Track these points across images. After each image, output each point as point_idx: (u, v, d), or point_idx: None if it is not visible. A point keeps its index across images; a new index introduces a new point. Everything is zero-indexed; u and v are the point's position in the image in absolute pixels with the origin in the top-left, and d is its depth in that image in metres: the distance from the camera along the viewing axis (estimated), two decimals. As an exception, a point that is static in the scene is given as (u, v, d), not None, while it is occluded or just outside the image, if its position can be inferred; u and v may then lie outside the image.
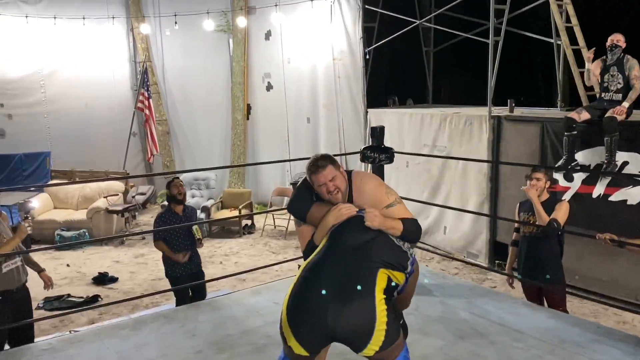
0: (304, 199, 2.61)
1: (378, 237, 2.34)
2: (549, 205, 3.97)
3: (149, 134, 9.55)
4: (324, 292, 2.17)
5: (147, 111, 9.44)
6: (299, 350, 2.18)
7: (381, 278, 2.22)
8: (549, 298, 4.05)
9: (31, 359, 3.25)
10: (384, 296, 2.19)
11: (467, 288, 4.27)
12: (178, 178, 4.98)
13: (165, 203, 8.47)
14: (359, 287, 2.16)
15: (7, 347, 3.82)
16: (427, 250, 6.73)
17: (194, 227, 4.82)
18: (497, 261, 6.70)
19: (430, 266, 6.67)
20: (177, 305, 4.89)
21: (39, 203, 8.41)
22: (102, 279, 6.50)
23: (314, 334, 2.18)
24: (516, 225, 4.29)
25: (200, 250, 5.02)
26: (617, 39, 5.33)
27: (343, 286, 2.17)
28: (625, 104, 5.13)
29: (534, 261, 4.06)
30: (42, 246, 3.54)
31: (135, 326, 3.76)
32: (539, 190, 3.98)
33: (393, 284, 2.27)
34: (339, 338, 2.19)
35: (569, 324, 3.59)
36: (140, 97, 9.53)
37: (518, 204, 4.36)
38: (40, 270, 4.21)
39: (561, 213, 3.88)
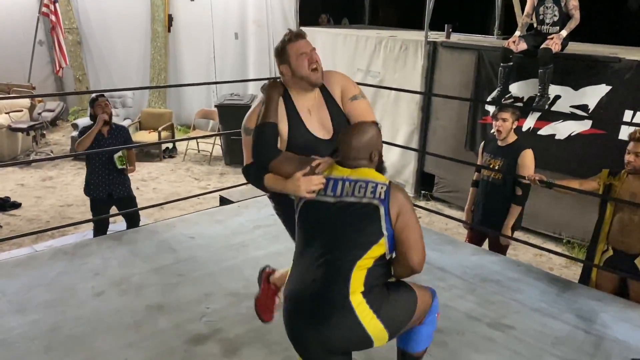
0: (268, 143, 2.18)
1: (352, 217, 1.91)
2: (515, 150, 3.73)
3: (56, 43, 8.56)
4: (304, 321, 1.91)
5: (53, 17, 8.39)
6: None
7: (357, 276, 1.86)
8: (491, 243, 3.96)
9: None
10: (363, 299, 1.85)
11: (392, 222, 4.16)
12: (103, 96, 4.45)
13: (77, 122, 7.84)
14: (333, 300, 1.86)
15: None
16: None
17: (115, 157, 4.33)
18: (422, 191, 6.68)
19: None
20: (94, 232, 4.50)
21: None
22: (3, 205, 5.92)
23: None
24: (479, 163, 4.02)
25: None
26: None
27: (319, 301, 1.87)
28: (563, 33, 4.96)
29: (487, 208, 3.89)
30: None
31: (30, 263, 3.39)
32: (505, 132, 3.73)
33: (375, 264, 1.90)
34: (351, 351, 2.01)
35: (491, 262, 3.58)
36: (45, 1, 8.44)
37: (482, 143, 4.10)
38: None
39: (528, 169, 3.64)
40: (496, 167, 3.79)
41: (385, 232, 1.88)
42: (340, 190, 1.96)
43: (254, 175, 2.22)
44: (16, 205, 6.01)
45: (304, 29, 7.98)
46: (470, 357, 2.56)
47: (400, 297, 1.97)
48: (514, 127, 3.76)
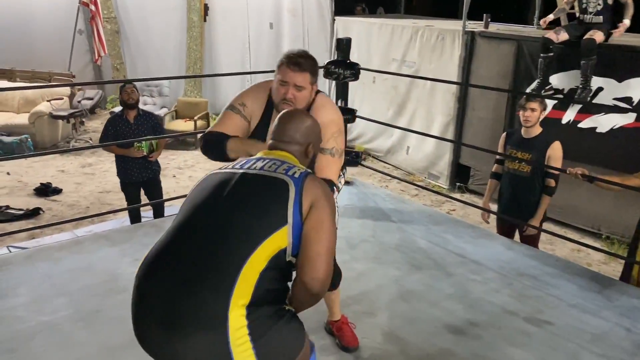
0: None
1: (254, 191, 1.52)
2: (541, 143, 3.66)
3: (95, 32, 8.73)
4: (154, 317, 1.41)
5: (92, 7, 8.56)
6: None
7: (245, 280, 1.37)
8: (522, 236, 3.89)
9: (-50, 284, 2.96)
10: (245, 322, 1.35)
11: (426, 214, 4.14)
12: (131, 83, 4.69)
13: (115, 110, 8.01)
14: (205, 311, 1.35)
15: None
16: (385, 173, 6.56)
17: (137, 144, 4.54)
18: (457, 183, 6.61)
19: (390, 187, 6.53)
20: (130, 218, 4.75)
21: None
22: (45, 190, 6.10)
23: None
24: (498, 157, 3.97)
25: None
26: None
27: (183, 306, 1.36)
28: (627, 22, 4.79)
29: (515, 200, 3.82)
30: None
31: (73, 248, 3.49)
32: (532, 122, 3.66)
33: (269, 266, 1.43)
34: None
35: (527, 256, 3.52)
36: (85, -9, 8.63)
37: (505, 134, 4.01)
38: None
39: (559, 160, 3.60)
40: (524, 160, 3.72)
41: (290, 220, 1.44)
42: (250, 164, 1.60)
43: (217, 138, 2.12)
44: (57, 191, 6.19)
45: (339, 18, 7.99)
46: (506, 351, 2.53)
47: (289, 332, 1.46)
48: (541, 117, 3.68)
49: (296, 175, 1.52)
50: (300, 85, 2.06)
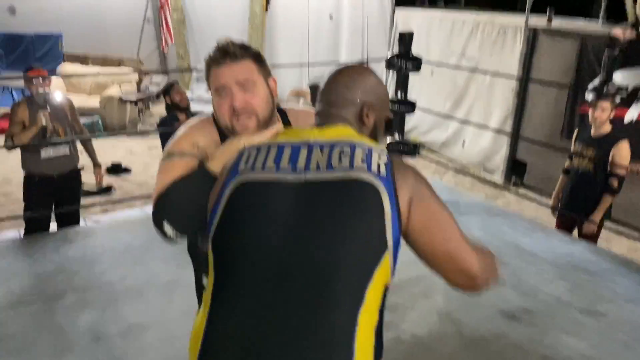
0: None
1: (335, 213, 1.00)
2: (610, 142, 3.66)
3: (163, 21, 9.13)
4: None
5: (162, -3, 8.97)
6: None
7: (363, 344, 0.96)
8: (581, 232, 3.90)
9: (45, 250, 3.29)
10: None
11: (481, 207, 4.22)
12: (177, 83, 4.53)
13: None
14: None
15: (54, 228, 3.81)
16: (440, 165, 6.60)
17: None
18: (513, 178, 6.59)
19: (445, 180, 6.59)
20: None
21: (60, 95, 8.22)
22: (116, 170, 6.50)
23: None
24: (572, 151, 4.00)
25: None
26: None
27: None
28: None
29: (576, 197, 3.85)
30: (62, 139, 3.49)
31: (145, 223, 3.74)
32: (601, 121, 3.66)
33: (381, 310, 1.03)
34: None
35: (584, 251, 3.56)
36: (155, -19, 9.02)
37: (576, 131, 4.03)
38: (95, 165, 4.23)
39: (624, 160, 3.60)
40: (588, 157, 3.74)
41: (390, 243, 1.00)
42: (304, 160, 1.05)
43: (189, 182, 1.35)
44: (127, 171, 6.58)
45: (399, 10, 8.03)
46: (560, 339, 2.61)
47: None
48: (611, 116, 3.69)
49: (382, 172, 1.02)
50: (245, 78, 1.31)
